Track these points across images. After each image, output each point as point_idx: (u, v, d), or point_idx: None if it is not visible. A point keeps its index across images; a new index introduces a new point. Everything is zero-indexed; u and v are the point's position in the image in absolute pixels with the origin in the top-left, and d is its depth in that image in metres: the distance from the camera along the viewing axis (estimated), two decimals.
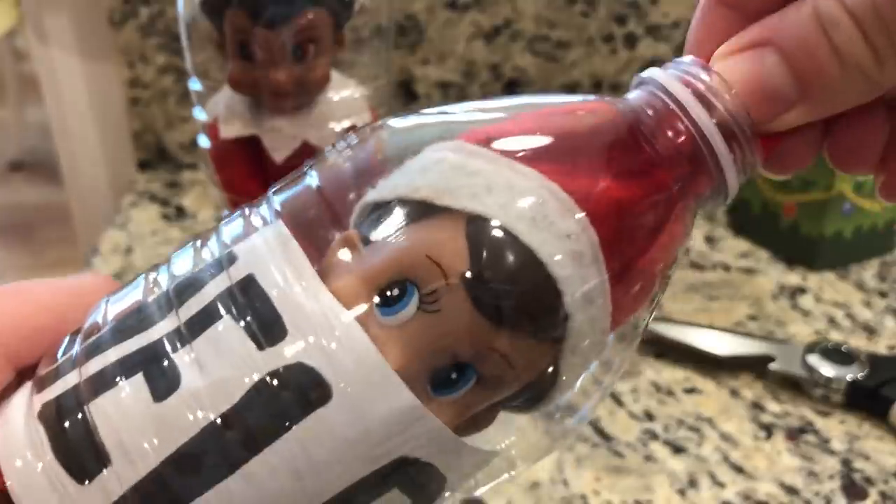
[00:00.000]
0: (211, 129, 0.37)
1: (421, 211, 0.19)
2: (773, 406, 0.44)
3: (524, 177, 0.19)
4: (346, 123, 0.36)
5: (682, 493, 0.39)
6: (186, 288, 0.19)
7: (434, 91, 0.68)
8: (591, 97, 0.22)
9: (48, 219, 2.14)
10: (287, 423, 0.17)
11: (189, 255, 0.20)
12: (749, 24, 0.20)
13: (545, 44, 0.67)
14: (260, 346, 0.17)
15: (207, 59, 0.38)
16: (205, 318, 0.18)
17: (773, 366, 0.45)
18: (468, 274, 0.18)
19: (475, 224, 0.18)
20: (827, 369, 0.44)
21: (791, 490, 0.39)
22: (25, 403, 0.19)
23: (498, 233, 0.18)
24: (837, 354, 0.44)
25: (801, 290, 0.54)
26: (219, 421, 0.17)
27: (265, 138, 0.36)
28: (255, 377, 0.17)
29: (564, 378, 0.20)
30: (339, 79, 0.37)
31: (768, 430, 0.43)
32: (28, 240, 2.14)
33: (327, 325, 0.17)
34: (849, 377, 0.43)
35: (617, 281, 0.19)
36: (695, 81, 0.19)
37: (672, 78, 0.20)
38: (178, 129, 0.68)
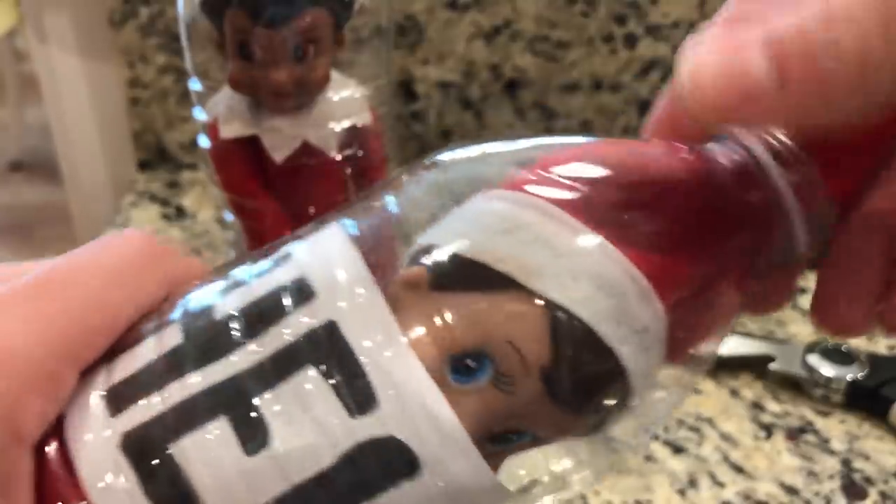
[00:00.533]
0: (211, 129, 0.37)
1: (502, 282, 0.18)
2: (773, 406, 0.44)
3: (611, 263, 0.18)
4: (346, 123, 0.37)
5: (682, 493, 0.39)
6: (263, 313, 0.18)
7: (434, 91, 0.68)
8: (676, 148, 0.20)
9: (48, 218, 2.14)
10: (373, 493, 0.17)
11: (258, 270, 0.20)
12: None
13: (545, 44, 0.67)
14: (351, 414, 0.17)
15: (207, 59, 0.38)
16: (289, 362, 0.18)
17: (773, 366, 0.45)
18: (548, 370, 0.18)
19: (559, 318, 0.18)
20: (827, 369, 0.44)
21: (791, 490, 0.39)
22: (101, 418, 0.18)
23: (581, 332, 0.18)
24: (837, 354, 0.44)
25: (802, 290, 0.54)
26: (308, 484, 0.17)
27: (265, 138, 0.36)
28: (346, 446, 0.17)
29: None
30: (339, 79, 0.37)
31: (768, 429, 0.43)
32: (28, 239, 2.14)
33: (418, 399, 0.17)
34: (849, 377, 0.43)
35: (681, 346, 0.20)
36: (780, 149, 0.19)
37: (757, 144, 0.19)
38: (179, 128, 0.68)
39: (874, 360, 0.44)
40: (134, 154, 0.69)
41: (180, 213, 0.63)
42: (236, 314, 0.19)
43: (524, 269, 0.18)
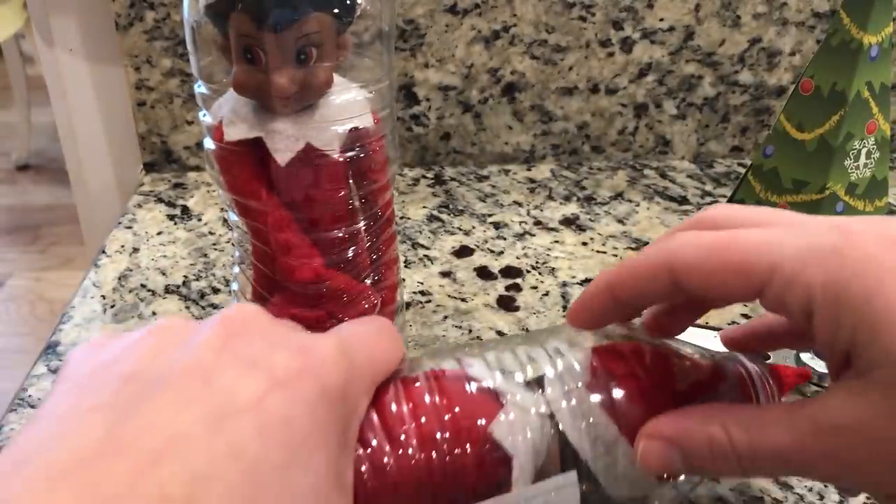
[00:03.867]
0: (216, 132, 0.38)
1: None
2: None
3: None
4: (349, 125, 0.37)
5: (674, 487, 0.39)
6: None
7: (434, 94, 0.69)
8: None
9: (55, 220, 2.15)
10: None
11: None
12: (624, 315, 0.33)
13: (543, 48, 0.67)
14: None
15: (212, 63, 0.38)
16: None
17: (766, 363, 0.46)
18: None
19: None
20: (820, 366, 0.45)
21: (785, 486, 0.40)
22: None
23: None
24: None
25: None
26: None
27: (269, 140, 0.37)
28: None
29: None
30: (340, 82, 0.38)
31: None
32: (36, 239, 2.15)
33: None
34: None
35: None
36: (760, 377, 0.35)
37: (755, 370, 0.35)
38: (184, 131, 0.69)
39: None
40: (140, 156, 0.70)
41: (186, 213, 0.64)
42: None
43: None
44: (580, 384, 0.31)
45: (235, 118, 0.37)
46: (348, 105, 0.38)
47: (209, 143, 0.39)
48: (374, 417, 0.30)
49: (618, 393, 0.31)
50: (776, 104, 0.71)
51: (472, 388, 0.31)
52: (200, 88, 0.39)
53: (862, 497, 0.39)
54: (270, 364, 0.26)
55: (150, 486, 0.22)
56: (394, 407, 0.30)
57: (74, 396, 0.25)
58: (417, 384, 0.31)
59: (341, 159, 0.38)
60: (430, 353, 0.34)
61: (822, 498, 0.39)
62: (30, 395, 0.46)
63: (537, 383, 0.31)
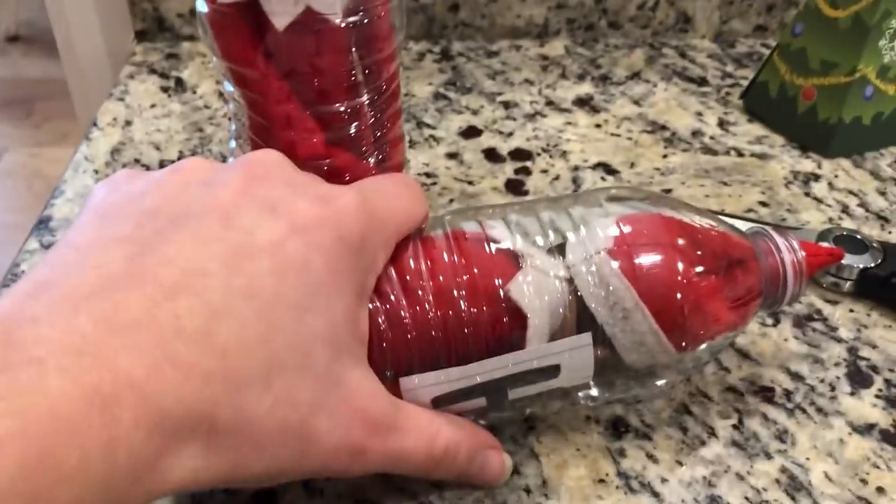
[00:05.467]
0: None
1: None
2: None
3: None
4: None
5: (687, 379, 0.39)
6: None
7: None
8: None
9: (49, 94, 2.11)
10: None
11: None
12: None
13: None
14: None
15: None
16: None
17: None
18: None
19: None
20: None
21: (796, 376, 0.39)
22: None
23: None
24: (850, 242, 0.44)
25: (815, 177, 0.53)
26: None
27: (266, 3, 0.34)
28: None
29: None
30: None
31: (776, 316, 0.42)
32: (30, 114, 2.11)
33: None
34: (861, 265, 0.43)
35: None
36: (791, 253, 0.34)
37: (784, 244, 0.34)
38: None
39: (888, 249, 0.43)
40: (131, 24, 0.67)
41: (180, 85, 0.61)
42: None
43: None
44: (602, 251, 0.31)
45: None
46: None
47: (201, 6, 0.36)
48: (392, 272, 0.30)
49: (640, 261, 0.31)
50: None
51: (491, 248, 0.31)
52: None
53: (874, 388, 0.38)
54: (291, 209, 0.27)
55: (165, 317, 0.23)
56: (412, 263, 0.31)
57: (98, 226, 0.26)
58: (437, 242, 0.31)
59: (344, 25, 0.35)
60: (452, 213, 0.34)
61: (833, 389, 0.38)
62: (22, 271, 0.44)
63: (558, 248, 0.31)
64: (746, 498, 0.34)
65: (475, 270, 0.30)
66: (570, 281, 0.31)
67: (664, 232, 0.32)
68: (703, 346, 0.32)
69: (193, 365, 0.23)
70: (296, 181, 0.28)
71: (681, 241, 0.32)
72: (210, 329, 0.23)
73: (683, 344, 0.32)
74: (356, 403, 0.27)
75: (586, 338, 0.30)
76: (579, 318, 0.31)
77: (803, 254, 0.34)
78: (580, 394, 0.33)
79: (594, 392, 0.33)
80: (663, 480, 0.34)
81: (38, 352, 0.21)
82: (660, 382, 0.34)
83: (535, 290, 0.30)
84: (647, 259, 0.31)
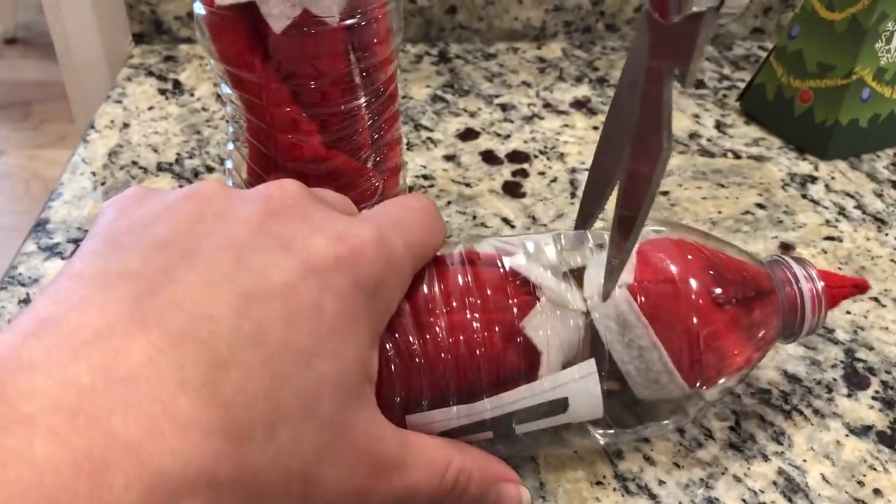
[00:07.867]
0: None
1: None
2: None
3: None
4: None
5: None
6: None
7: None
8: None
9: (47, 96, 2.11)
10: None
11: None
12: None
13: None
14: None
15: None
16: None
17: None
18: None
19: None
20: None
21: (793, 378, 0.39)
22: None
23: None
24: None
25: (812, 179, 0.53)
26: None
27: (262, 5, 0.34)
28: None
29: None
30: None
31: None
32: (27, 117, 2.11)
33: None
34: None
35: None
36: (810, 283, 0.33)
37: (803, 273, 0.33)
38: None
39: None
40: (128, 26, 0.67)
41: (177, 88, 0.61)
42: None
43: None
44: (622, 286, 0.30)
45: None
46: None
47: (199, 8, 0.36)
48: (406, 305, 0.29)
49: (658, 298, 0.30)
50: None
51: (507, 277, 0.30)
52: None
53: (871, 389, 0.38)
54: (306, 246, 0.26)
55: (168, 367, 0.22)
56: (425, 289, 0.30)
57: (106, 256, 0.25)
58: (451, 270, 0.30)
59: (341, 27, 0.35)
60: (467, 238, 0.33)
61: (829, 391, 0.38)
62: (20, 273, 0.44)
63: (576, 279, 0.31)
64: (743, 500, 0.34)
65: (489, 301, 0.29)
66: (587, 314, 0.30)
67: (684, 267, 0.31)
68: (720, 382, 0.32)
69: (195, 420, 0.22)
70: (313, 216, 0.27)
71: (700, 277, 0.31)
72: (215, 380, 0.23)
73: (698, 383, 0.31)
74: (362, 447, 0.27)
75: (591, 365, 0.30)
76: (594, 351, 0.30)
77: (822, 284, 0.33)
78: (594, 432, 0.32)
79: (608, 430, 0.32)
80: (660, 482, 0.34)
81: (29, 408, 0.20)
82: (669, 422, 0.33)
83: (551, 325, 0.29)
84: (666, 297, 0.30)
